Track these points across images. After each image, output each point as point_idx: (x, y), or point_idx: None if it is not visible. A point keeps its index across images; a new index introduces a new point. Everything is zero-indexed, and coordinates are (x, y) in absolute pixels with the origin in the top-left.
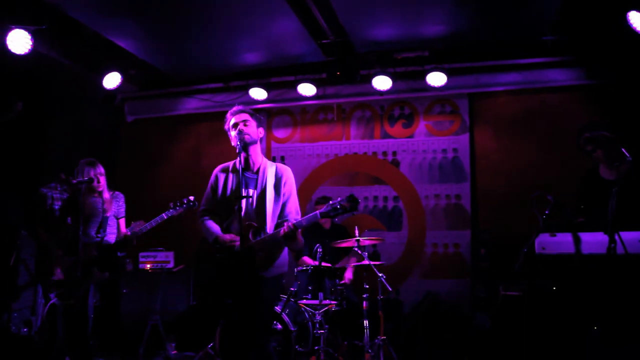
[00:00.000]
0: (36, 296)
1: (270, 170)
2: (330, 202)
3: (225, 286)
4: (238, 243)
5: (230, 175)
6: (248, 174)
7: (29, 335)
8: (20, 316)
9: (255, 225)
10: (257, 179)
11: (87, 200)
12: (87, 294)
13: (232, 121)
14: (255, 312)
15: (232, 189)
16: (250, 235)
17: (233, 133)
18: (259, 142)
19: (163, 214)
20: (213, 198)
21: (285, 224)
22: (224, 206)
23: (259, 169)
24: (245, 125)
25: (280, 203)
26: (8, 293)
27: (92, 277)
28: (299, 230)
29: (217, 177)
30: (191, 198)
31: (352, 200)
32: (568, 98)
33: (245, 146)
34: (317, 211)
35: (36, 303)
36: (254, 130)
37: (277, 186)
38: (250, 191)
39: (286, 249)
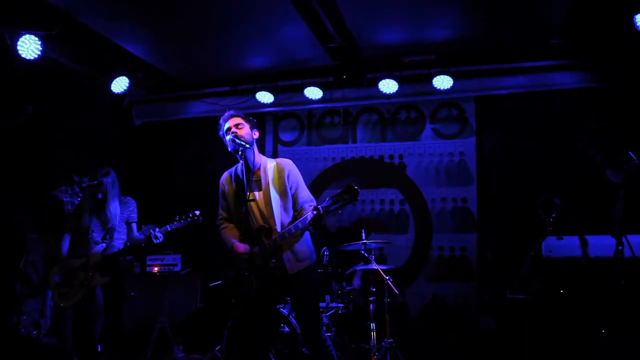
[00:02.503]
0: (45, 299)
1: (270, 167)
2: (331, 195)
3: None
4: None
5: (234, 181)
6: (250, 177)
7: (38, 337)
8: (29, 319)
9: (266, 226)
10: (259, 180)
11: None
12: (92, 297)
13: (226, 126)
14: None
15: (237, 194)
16: (263, 238)
17: (228, 137)
18: (255, 144)
19: (167, 226)
20: (226, 205)
21: (312, 210)
22: (235, 212)
23: (259, 169)
24: (238, 128)
25: (290, 196)
26: (17, 296)
27: (93, 280)
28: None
29: (223, 186)
30: (197, 212)
31: (351, 190)
32: (575, 101)
33: (242, 150)
34: (320, 206)
35: (45, 306)
36: (248, 133)
37: (282, 181)
38: (256, 193)
39: (308, 239)
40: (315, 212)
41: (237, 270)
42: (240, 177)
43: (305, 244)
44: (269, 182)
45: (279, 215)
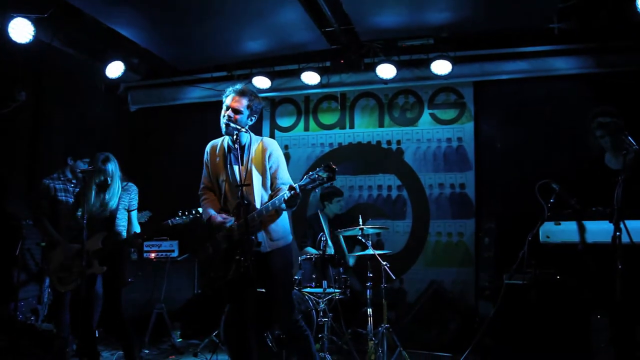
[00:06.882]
0: (42, 285)
1: (254, 145)
2: (310, 172)
3: (228, 267)
4: (228, 222)
5: (219, 153)
6: (234, 153)
7: (36, 323)
8: (27, 305)
9: (246, 202)
10: (243, 156)
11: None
12: (92, 284)
13: (228, 101)
14: (267, 291)
15: (219, 167)
16: (242, 214)
17: (222, 119)
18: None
19: (169, 221)
20: (208, 176)
21: (287, 188)
22: (216, 184)
23: (244, 146)
24: (235, 112)
25: (268, 176)
26: (14, 282)
27: (91, 268)
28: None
29: (207, 154)
30: (200, 210)
31: (330, 169)
32: (574, 86)
33: (237, 133)
34: (296, 184)
35: (42, 292)
36: (244, 120)
37: (262, 160)
38: (238, 168)
39: (284, 220)
40: (291, 192)
41: (214, 245)
42: (226, 152)
43: (280, 224)
44: (251, 160)
45: (259, 193)
